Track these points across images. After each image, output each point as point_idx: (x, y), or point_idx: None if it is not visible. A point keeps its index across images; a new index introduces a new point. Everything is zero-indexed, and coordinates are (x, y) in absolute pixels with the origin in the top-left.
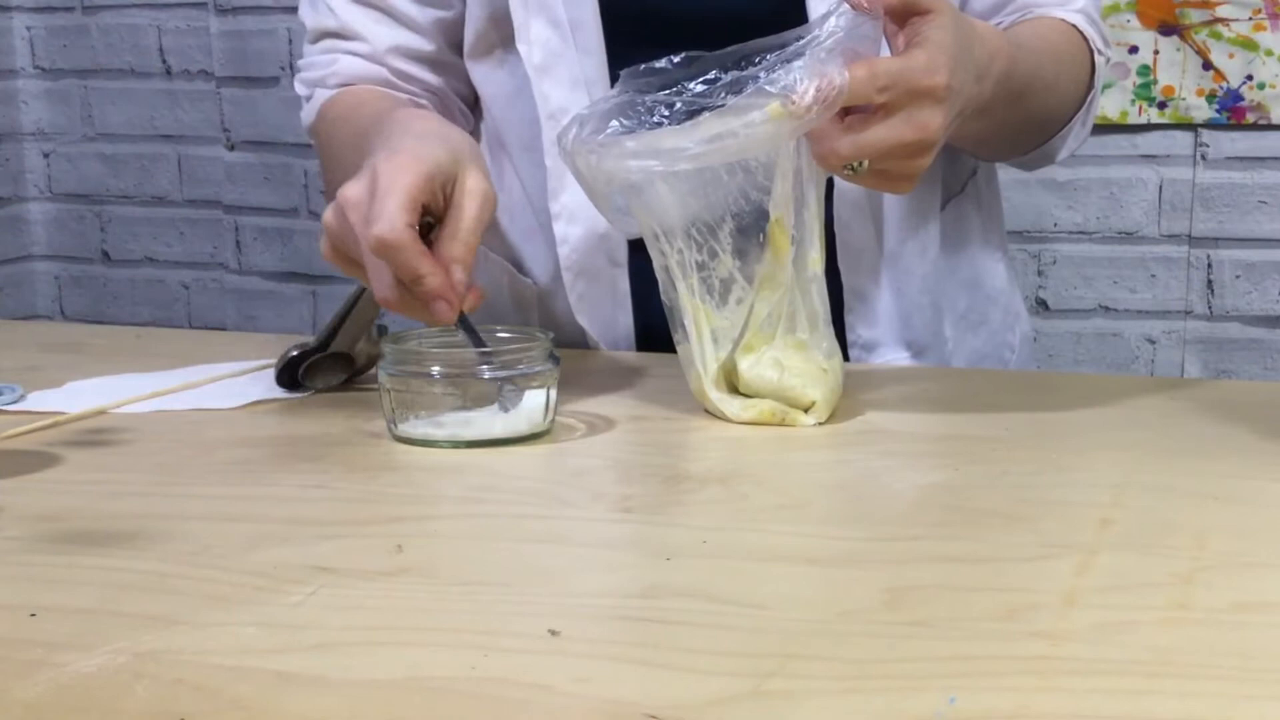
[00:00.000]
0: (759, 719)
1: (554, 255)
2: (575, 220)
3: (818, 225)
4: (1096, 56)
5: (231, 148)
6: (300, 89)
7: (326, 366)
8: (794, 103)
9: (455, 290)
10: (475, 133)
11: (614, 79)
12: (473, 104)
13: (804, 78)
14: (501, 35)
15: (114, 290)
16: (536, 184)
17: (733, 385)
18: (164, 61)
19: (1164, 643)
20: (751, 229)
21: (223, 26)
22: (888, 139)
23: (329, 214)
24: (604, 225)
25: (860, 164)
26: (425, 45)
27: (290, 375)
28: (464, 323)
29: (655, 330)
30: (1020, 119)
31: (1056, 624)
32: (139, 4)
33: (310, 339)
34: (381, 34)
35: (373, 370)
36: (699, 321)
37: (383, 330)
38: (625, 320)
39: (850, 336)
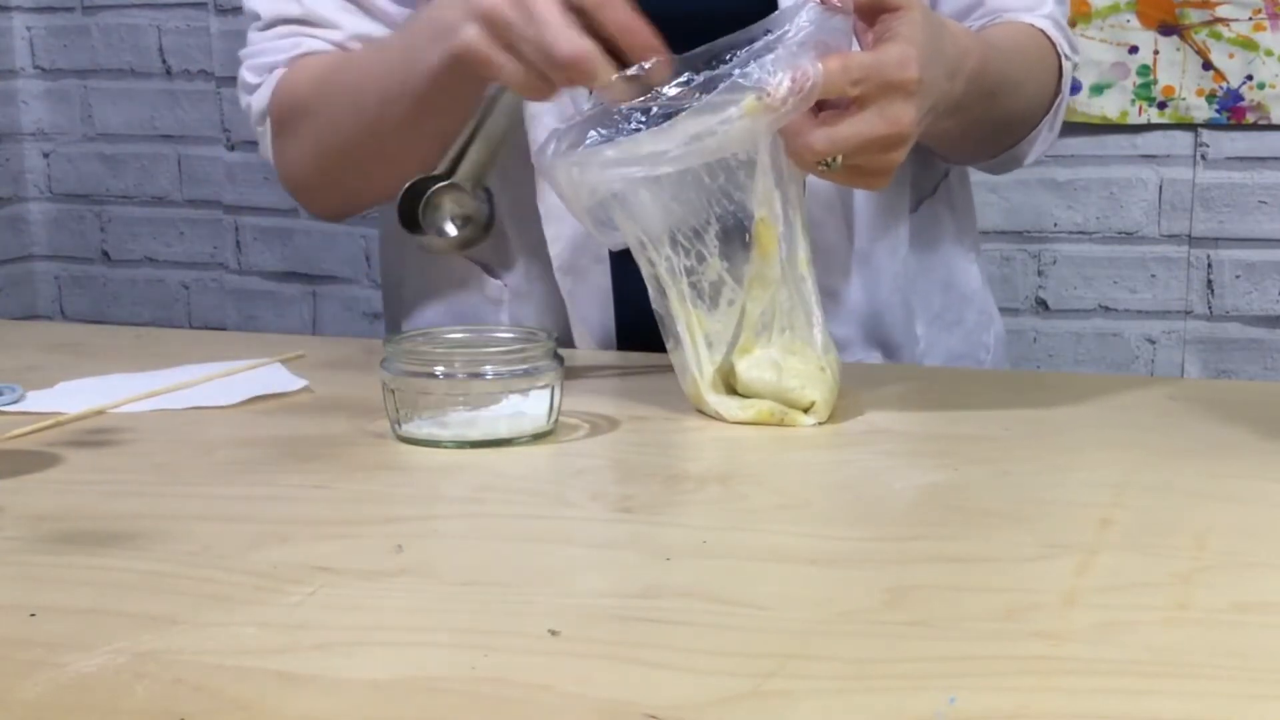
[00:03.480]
0: (759, 719)
1: (527, 256)
2: (564, 219)
3: (801, 223)
4: (1064, 62)
5: (231, 148)
6: (249, 76)
7: (449, 205)
8: (769, 95)
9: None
10: None
11: None
12: None
13: (777, 71)
14: None
15: (114, 290)
16: (510, 184)
17: (730, 387)
18: (164, 61)
19: (1164, 643)
20: (736, 230)
21: (223, 26)
22: (861, 133)
23: None
24: None
25: (834, 160)
26: None
27: (410, 212)
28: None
29: (635, 325)
30: (991, 119)
31: (1056, 624)
32: (139, 4)
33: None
34: (348, 22)
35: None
36: (692, 327)
37: (490, 196)
38: (608, 316)
39: None
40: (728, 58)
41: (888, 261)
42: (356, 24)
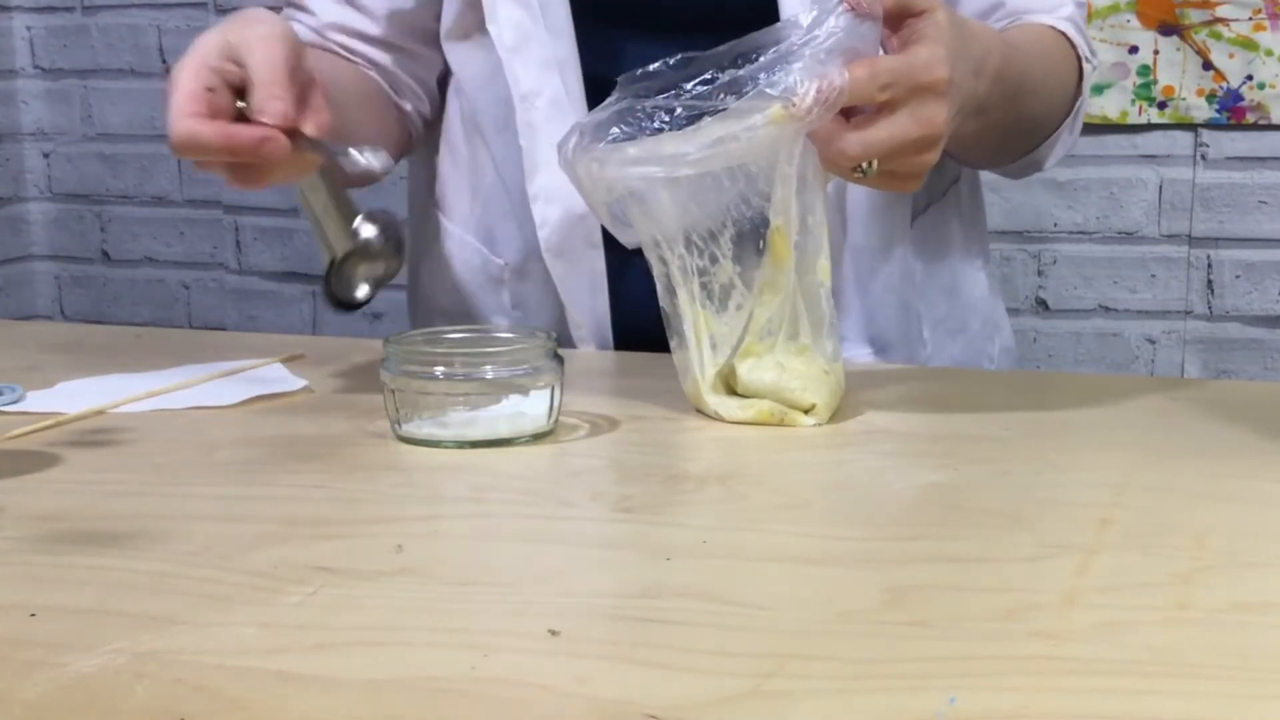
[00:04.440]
0: (759, 719)
1: (526, 236)
2: (553, 201)
3: (825, 232)
4: (1084, 64)
5: None
6: None
7: (353, 274)
8: (795, 105)
9: (279, 126)
10: (437, 120)
11: (584, 59)
12: (438, 89)
13: (804, 79)
14: (478, 17)
15: (114, 290)
16: (511, 165)
17: (731, 389)
18: (164, 61)
19: (1164, 643)
20: (751, 235)
21: None
22: (894, 136)
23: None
24: (581, 206)
25: (870, 165)
26: (370, 28)
27: (336, 297)
28: (317, 146)
29: (633, 317)
30: (1012, 120)
31: (1056, 624)
32: (139, 4)
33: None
34: (326, 8)
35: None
36: (698, 327)
37: (381, 215)
38: (602, 301)
39: None
40: (753, 57)
41: (883, 260)
42: (332, 12)
